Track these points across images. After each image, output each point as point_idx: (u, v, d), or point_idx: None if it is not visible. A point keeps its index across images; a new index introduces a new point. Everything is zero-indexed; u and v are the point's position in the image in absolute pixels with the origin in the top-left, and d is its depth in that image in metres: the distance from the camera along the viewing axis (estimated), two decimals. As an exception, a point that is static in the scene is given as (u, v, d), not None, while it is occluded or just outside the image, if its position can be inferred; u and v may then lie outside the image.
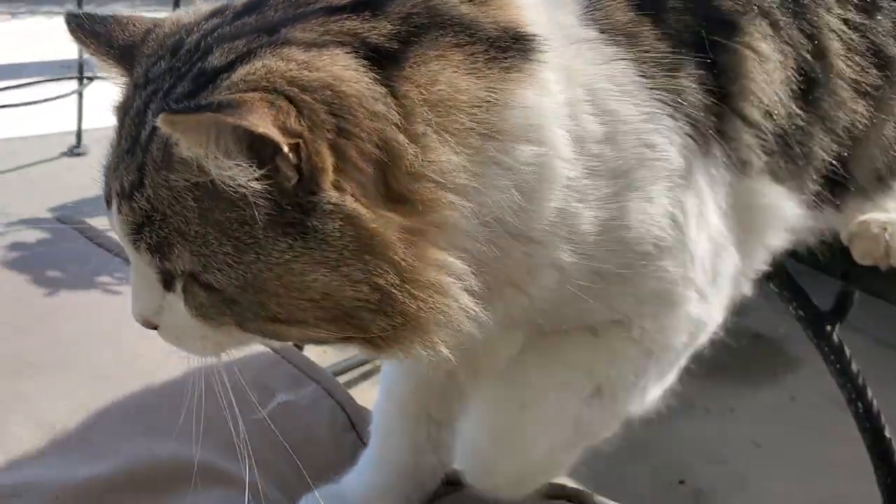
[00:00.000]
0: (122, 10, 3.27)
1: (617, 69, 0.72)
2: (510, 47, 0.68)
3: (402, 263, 0.63)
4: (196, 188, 0.63)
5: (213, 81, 0.63)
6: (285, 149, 0.59)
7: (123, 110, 0.69)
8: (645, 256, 0.75)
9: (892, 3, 0.87)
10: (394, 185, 0.63)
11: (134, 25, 0.74)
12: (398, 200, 0.63)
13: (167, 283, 0.67)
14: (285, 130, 0.59)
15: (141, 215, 0.64)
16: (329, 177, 0.61)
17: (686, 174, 0.74)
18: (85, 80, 3.24)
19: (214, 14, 0.71)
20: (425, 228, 0.64)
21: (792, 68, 0.79)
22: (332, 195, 0.61)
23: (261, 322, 0.66)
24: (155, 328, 0.70)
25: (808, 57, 0.80)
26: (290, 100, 0.60)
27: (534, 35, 0.69)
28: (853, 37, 0.83)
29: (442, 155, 0.64)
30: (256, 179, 0.60)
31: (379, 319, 0.65)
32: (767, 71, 0.77)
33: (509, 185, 0.66)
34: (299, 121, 0.60)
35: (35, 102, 3.08)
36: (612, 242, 0.73)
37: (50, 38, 4.29)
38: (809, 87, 0.80)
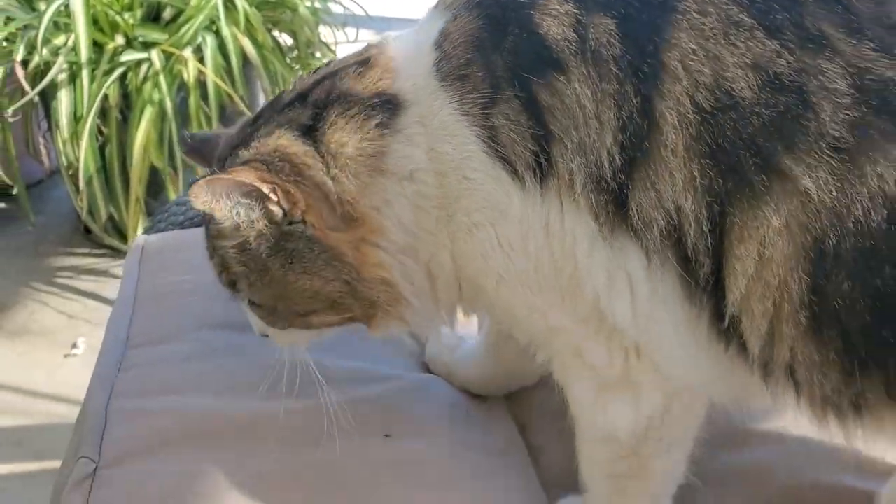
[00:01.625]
0: None
1: (446, 113, 0.83)
2: (380, 108, 0.86)
3: (354, 263, 0.87)
4: (232, 247, 0.89)
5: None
6: (265, 189, 0.84)
7: None
8: (489, 268, 0.86)
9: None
10: (337, 210, 0.86)
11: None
12: (344, 220, 0.86)
13: None
14: (262, 180, 0.84)
15: (219, 268, 0.93)
16: (299, 209, 0.86)
17: (505, 207, 0.81)
18: None
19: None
20: (363, 236, 0.87)
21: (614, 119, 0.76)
22: (300, 224, 0.86)
23: (295, 318, 0.93)
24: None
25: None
26: (262, 162, 0.87)
27: (396, 96, 0.86)
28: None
29: (349, 186, 0.86)
30: (257, 219, 0.86)
31: (356, 305, 0.90)
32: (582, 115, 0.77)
33: (406, 204, 0.86)
34: (270, 173, 0.86)
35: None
36: (464, 256, 0.87)
37: None
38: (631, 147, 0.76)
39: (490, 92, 0.80)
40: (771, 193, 0.71)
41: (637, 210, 0.76)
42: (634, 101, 0.75)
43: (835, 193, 0.70)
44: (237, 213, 0.86)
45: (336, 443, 0.97)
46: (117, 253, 2.61)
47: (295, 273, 0.88)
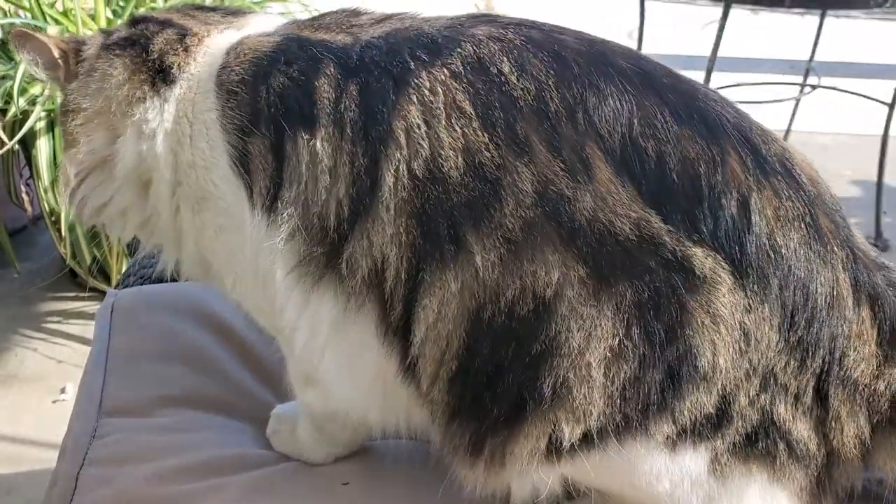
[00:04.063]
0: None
1: (210, 117, 0.92)
2: (150, 68, 0.96)
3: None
4: None
5: None
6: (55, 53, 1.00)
7: None
8: (212, 264, 0.98)
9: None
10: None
11: None
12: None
13: None
14: (57, 46, 1.02)
15: None
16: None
17: (239, 222, 0.90)
18: (807, 89, 3.32)
19: None
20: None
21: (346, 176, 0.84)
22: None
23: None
24: None
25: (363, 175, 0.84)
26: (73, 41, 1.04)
27: (171, 68, 0.95)
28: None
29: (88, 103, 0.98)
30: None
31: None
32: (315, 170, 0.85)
33: (133, 156, 0.96)
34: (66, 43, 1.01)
35: (757, 102, 2.94)
36: (210, 251, 0.97)
37: (784, 35, 4.51)
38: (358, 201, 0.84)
39: (250, 119, 0.88)
40: (455, 261, 0.80)
41: (349, 258, 0.84)
42: (363, 160, 0.83)
43: (496, 276, 0.80)
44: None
45: (298, 498, 1.00)
46: (104, 296, 2.60)
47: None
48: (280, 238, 0.86)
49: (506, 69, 0.83)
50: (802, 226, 0.81)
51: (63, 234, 2.28)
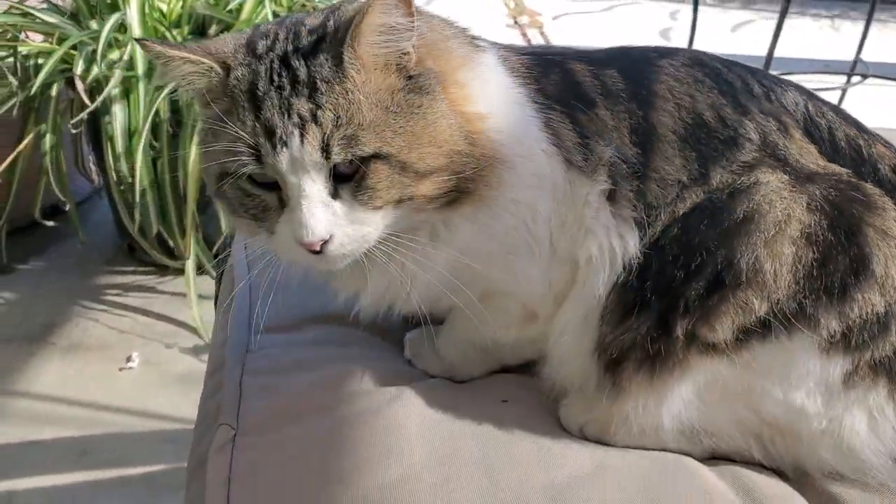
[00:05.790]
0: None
1: (521, 92, 1.05)
2: (465, 33, 1.08)
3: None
4: (362, 85, 0.91)
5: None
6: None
7: (251, 81, 0.94)
8: (507, 240, 1.05)
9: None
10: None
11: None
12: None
13: (335, 193, 0.92)
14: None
15: (328, 129, 0.90)
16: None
17: (552, 182, 1.03)
18: (853, 79, 3.51)
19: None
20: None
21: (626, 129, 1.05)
22: None
23: (411, 182, 0.93)
24: (319, 252, 0.92)
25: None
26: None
27: (475, 36, 1.09)
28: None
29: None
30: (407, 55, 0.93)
31: (470, 161, 0.96)
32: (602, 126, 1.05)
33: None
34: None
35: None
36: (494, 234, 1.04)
37: (815, 39, 4.71)
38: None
39: (544, 99, 1.05)
40: (703, 184, 1.02)
41: (648, 185, 1.02)
42: (639, 112, 1.05)
43: (728, 181, 1.02)
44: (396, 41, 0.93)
45: (462, 408, 1.03)
46: (164, 270, 2.63)
47: (433, 113, 0.95)
48: (597, 181, 1.03)
49: (718, 65, 1.10)
50: None
51: (133, 202, 2.28)
